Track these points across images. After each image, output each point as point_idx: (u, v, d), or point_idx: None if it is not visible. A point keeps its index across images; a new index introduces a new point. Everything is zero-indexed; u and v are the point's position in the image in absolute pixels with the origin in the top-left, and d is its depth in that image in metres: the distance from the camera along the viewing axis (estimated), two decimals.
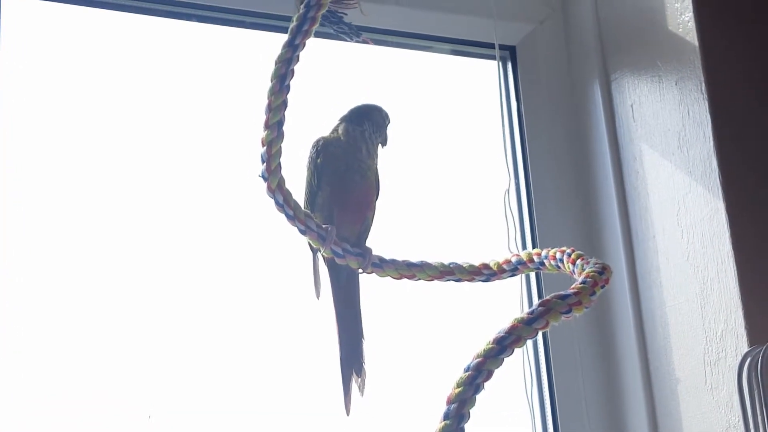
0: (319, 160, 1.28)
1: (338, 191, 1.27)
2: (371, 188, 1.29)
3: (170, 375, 1.40)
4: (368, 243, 1.28)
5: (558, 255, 1.17)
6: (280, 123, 1.13)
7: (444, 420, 0.92)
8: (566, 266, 1.15)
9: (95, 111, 1.48)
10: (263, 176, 1.13)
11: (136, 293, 1.42)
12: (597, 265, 1.08)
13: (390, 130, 1.33)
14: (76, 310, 1.38)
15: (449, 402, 0.93)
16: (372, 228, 1.31)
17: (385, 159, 1.31)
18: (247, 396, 1.43)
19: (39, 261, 1.37)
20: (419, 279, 1.23)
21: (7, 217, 1.35)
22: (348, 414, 1.25)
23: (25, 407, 1.31)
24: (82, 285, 1.40)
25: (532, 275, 1.61)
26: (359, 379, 1.26)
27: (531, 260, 1.21)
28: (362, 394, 1.27)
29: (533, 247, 1.60)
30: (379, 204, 1.31)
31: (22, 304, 1.35)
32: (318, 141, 1.29)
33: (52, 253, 1.39)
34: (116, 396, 1.37)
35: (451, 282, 1.24)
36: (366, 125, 1.30)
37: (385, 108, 1.34)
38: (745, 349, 1.34)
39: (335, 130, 1.31)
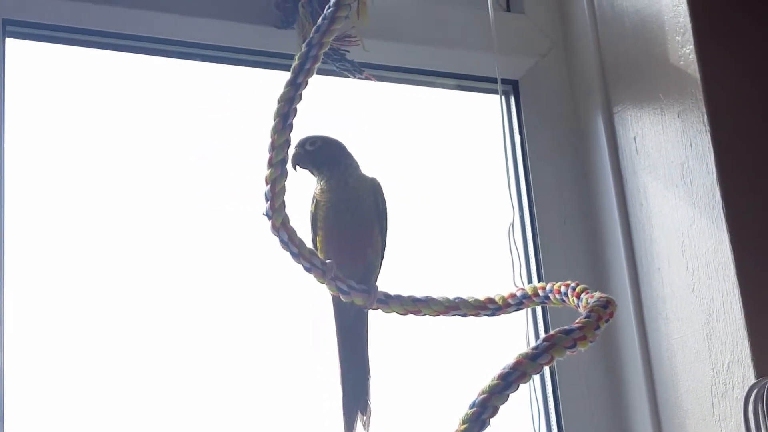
0: (312, 209, 1.30)
1: (330, 235, 1.28)
2: (365, 223, 1.30)
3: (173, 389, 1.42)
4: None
5: (562, 289, 1.17)
6: (284, 161, 1.13)
7: None
8: (571, 300, 1.15)
9: (105, 137, 1.51)
10: (267, 214, 1.13)
11: (137, 301, 1.43)
12: (601, 299, 1.08)
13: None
14: (75, 311, 1.39)
15: None
16: (382, 262, 1.31)
17: (389, 195, 1.32)
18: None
19: (39, 261, 1.38)
20: (425, 314, 1.23)
21: (8, 218, 1.35)
22: None
23: (24, 406, 1.31)
24: (82, 287, 1.41)
25: (538, 309, 1.61)
26: (364, 417, 1.27)
27: (536, 294, 1.21)
28: None
29: (538, 281, 1.60)
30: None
31: (22, 303, 1.35)
32: (313, 194, 1.31)
33: (51, 254, 1.40)
34: (116, 396, 1.38)
35: (457, 317, 1.24)
36: (343, 164, 1.31)
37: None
38: (753, 380, 1.33)
39: (318, 178, 1.32)
